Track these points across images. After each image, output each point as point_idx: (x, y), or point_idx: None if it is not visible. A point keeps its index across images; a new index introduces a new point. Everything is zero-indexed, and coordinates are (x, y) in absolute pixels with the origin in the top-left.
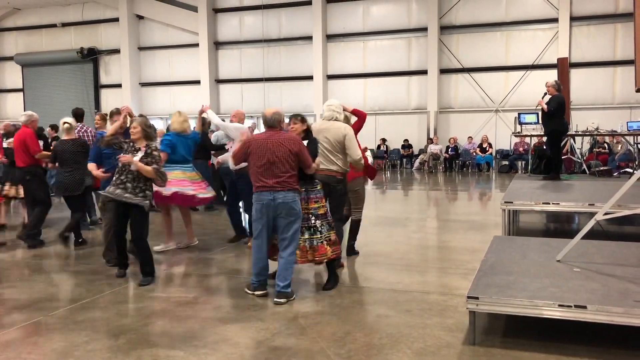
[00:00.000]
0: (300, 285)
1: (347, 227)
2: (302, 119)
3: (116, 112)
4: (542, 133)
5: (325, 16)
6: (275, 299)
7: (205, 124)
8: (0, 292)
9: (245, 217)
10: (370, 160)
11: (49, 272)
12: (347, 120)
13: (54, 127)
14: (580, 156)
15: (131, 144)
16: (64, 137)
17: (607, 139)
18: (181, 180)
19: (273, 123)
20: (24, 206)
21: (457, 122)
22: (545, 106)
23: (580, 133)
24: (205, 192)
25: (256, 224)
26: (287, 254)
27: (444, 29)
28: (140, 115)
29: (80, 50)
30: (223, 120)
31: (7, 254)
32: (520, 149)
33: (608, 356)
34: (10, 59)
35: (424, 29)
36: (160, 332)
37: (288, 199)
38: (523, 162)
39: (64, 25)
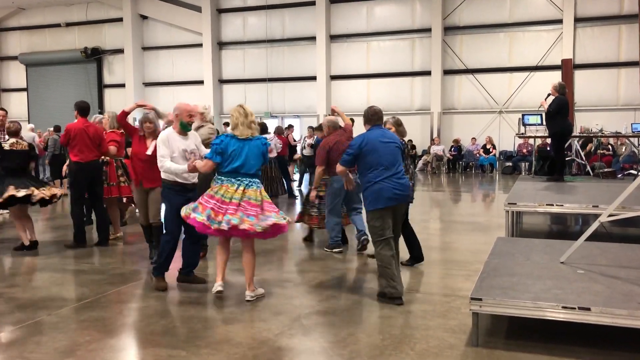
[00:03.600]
0: (303, 286)
1: None
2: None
3: None
4: (546, 134)
5: (329, 17)
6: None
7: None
8: (3, 291)
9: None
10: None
11: (52, 271)
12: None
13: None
14: (584, 158)
15: None
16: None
17: (611, 140)
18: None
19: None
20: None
21: (460, 123)
22: (546, 106)
23: (584, 134)
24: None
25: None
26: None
27: (448, 29)
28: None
29: (84, 50)
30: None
31: (10, 254)
32: (524, 150)
33: (612, 359)
34: (15, 58)
35: (428, 30)
36: (162, 332)
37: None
38: (527, 164)
39: (68, 25)
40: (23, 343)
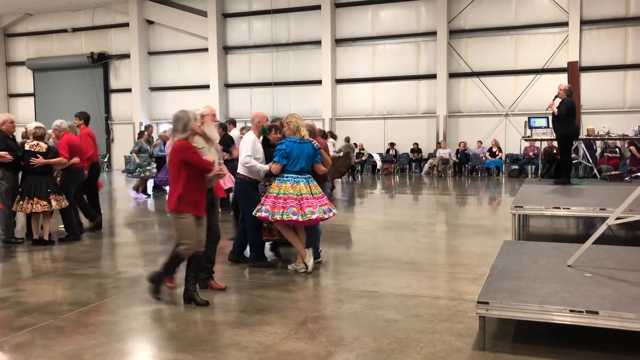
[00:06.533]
0: (309, 289)
1: None
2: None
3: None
4: (553, 137)
5: (334, 21)
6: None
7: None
8: (10, 295)
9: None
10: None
11: (59, 276)
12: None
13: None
14: (590, 160)
15: None
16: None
17: (618, 143)
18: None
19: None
20: None
21: (466, 126)
22: (555, 109)
23: (591, 137)
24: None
25: None
26: None
27: (453, 33)
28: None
29: (91, 55)
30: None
31: (17, 257)
32: (530, 153)
33: None
34: (22, 63)
35: (433, 33)
36: (168, 336)
37: None
38: (533, 167)
39: (75, 30)
40: (30, 347)
